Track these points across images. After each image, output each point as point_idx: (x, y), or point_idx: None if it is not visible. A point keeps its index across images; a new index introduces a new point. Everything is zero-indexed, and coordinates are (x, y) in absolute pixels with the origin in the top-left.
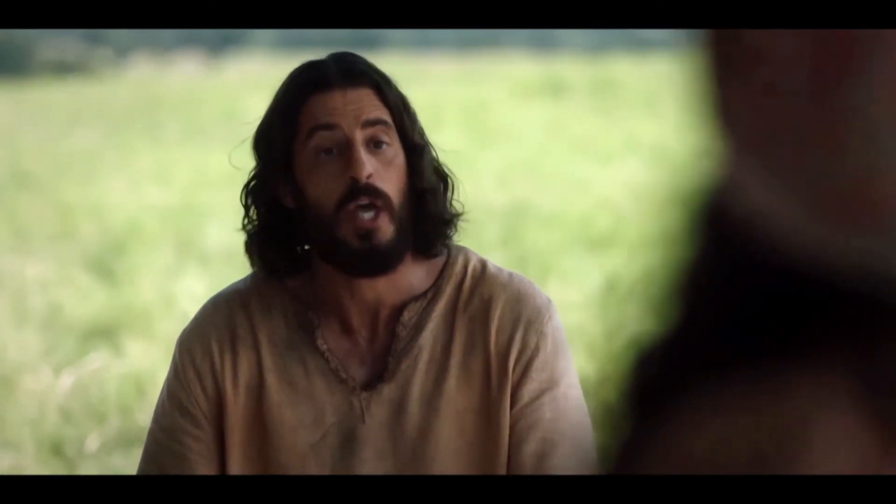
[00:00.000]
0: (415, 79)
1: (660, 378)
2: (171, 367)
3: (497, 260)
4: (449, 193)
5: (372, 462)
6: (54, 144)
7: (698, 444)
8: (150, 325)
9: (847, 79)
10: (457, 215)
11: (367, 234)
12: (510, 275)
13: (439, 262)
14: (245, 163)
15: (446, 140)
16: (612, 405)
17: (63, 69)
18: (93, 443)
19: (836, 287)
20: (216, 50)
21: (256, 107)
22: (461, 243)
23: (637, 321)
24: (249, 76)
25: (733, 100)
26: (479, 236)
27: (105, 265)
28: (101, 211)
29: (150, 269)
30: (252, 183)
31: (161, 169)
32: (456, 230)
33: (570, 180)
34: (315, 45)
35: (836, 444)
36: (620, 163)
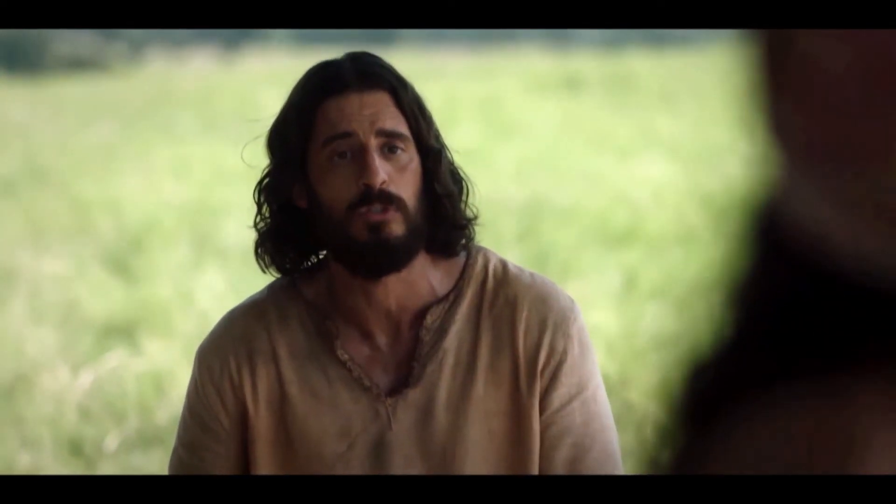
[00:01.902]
0: (430, 74)
1: (716, 389)
2: (190, 382)
3: (515, 257)
4: (465, 197)
5: (401, 468)
6: (70, 140)
7: (755, 454)
8: (169, 323)
9: None
10: (473, 219)
11: (377, 227)
12: (532, 275)
13: (458, 263)
14: (259, 160)
15: (462, 136)
16: (666, 416)
17: (78, 65)
18: (112, 442)
19: (889, 297)
20: (232, 44)
21: (272, 102)
22: (479, 239)
23: (657, 319)
24: (265, 71)
25: (788, 113)
26: (497, 232)
27: (122, 262)
28: (118, 207)
29: (167, 266)
30: (265, 181)
31: (178, 164)
32: (473, 233)
33: (587, 175)
34: (330, 40)
35: (881, 453)
36: (637, 158)
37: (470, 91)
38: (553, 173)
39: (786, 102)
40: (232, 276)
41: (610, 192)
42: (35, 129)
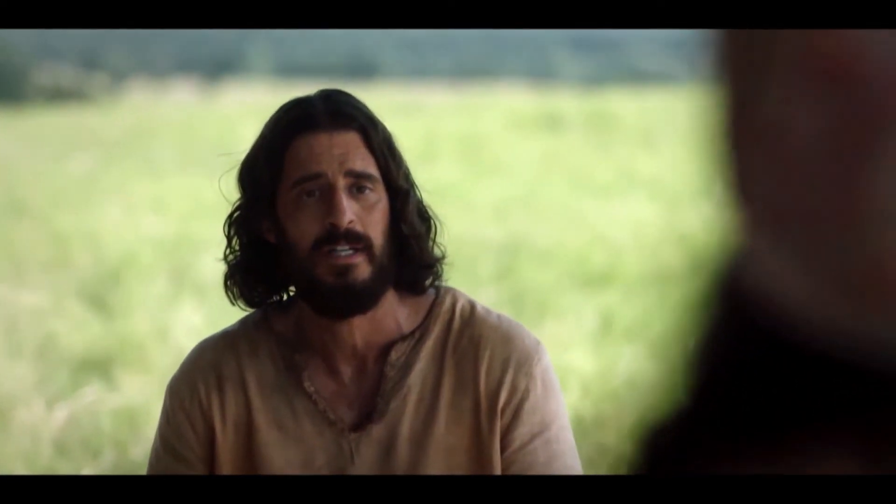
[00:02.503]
0: (410, 110)
1: (672, 451)
2: (161, 414)
3: (492, 296)
4: (433, 236)
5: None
6: (49, 172)
7: None
8: (145, 358)
9: (868, 158)
10: (441, 258)
11: (343, 271)
12: (499, 316)
13: (426, 301)
14: (235, 193)
15: (441, 173)
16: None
17: (59, 95)
18: None
19: (850, 366)
20: (212, 76)
21: (252, 136)
22: (455, 278)
23: (633, 361)
24: (245, 104)
25: (749, 175)
26: (474, 272)
27: (100, 296)
28: (97, 240)
29: (145, 300)
30: (235, 215)
31: (157, 198)
32: (441, 273)
33: (566, 215)
34: (311, 73)
35: None
36: (618, 198)
37: (450, 127)
38: (532, 212)
39: (750, 164)
40: (209, 312)
41: (589, 233)
42: (14, 160)
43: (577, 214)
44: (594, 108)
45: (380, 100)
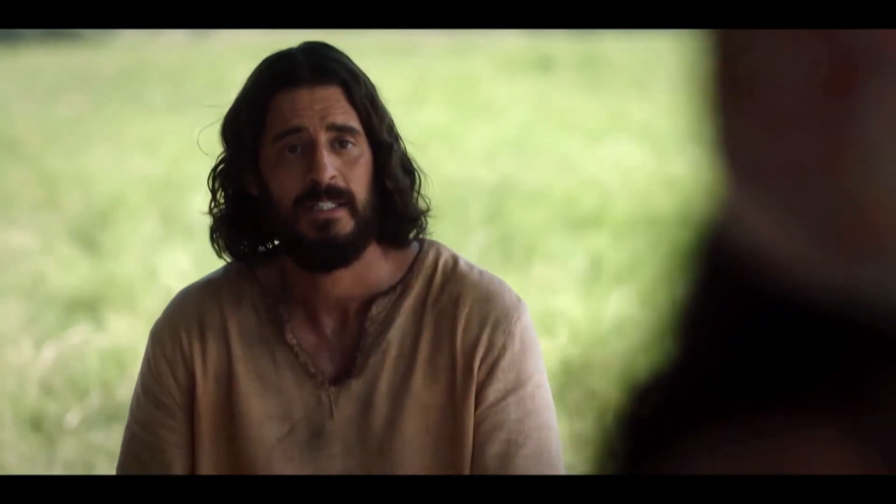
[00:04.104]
0: (402, 52)
1: (656, 414)
2: (143, 360)
3: (480, 239)
4: (417, 189)
5: (339, 457)
6: (41, 112)
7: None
8: (133, 299)
9: (848, 108)
10: (425, 211)
11: (325, 225)
12: (480, 272)
13: (410, 255)
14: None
15: (432, 115)
16: (608, 437)
17: (51, 34)
18: (73, 418)
19: (836, 319)
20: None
21: (244, 77)
22: (445, 221)
23: (622, 305)
24: (237, 44)
25: (734, 128)
26: (464, 214)
27: (89, 236)
28: (86, 181)
29: (134, 241)
30: (220, 168)
31: (147, 139)
32: (425, 225)
33: (557, 158)
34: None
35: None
36: (608, 141)
37: (441, 70)
38: (522, 155)
39: (734, 115)
40: (198, 253)
41: (579, 176)
42: (5, 99)
43: (567, 158)
44: (586, 51)
45: (371, 41)
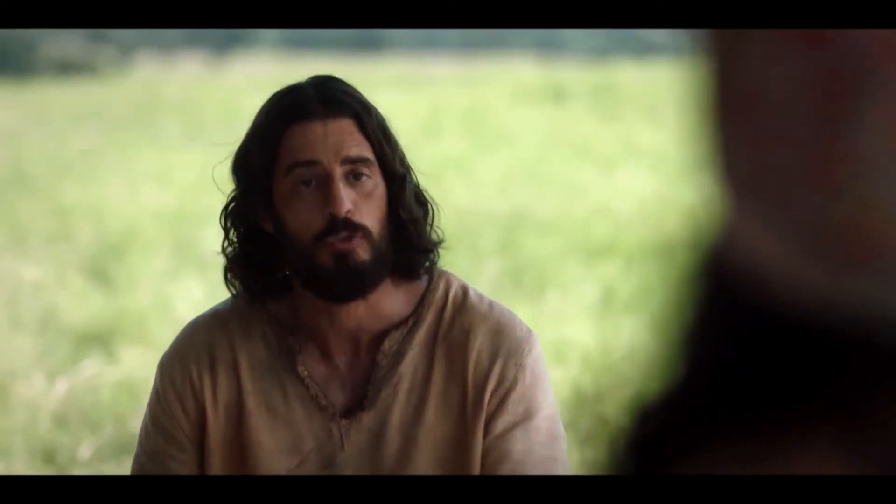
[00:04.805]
0: (416, 82)
1: (659, 433)
2: (152, 391)
3: (493, 268)
4: (430, 220)
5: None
6: (54, 145)
7: None
8: (146, 332)
9: (842, 119)
10: (437, 243)
11: (343, 256)
12: (491, 304)
13: (420, 287)
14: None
15: (446, 145)
16: (612, 457)
17: (66, 69)
18: (86, 450)
19: (834, 334)
20: (220, 50)
21: (258, 109)
22: (458, 250)
23: (634, 334)
24: (253, 77)
25: (730, 142)
26: (477, 244)
27: (102, 269)
28: (100, 213)
29: (147, 274)
30: (231, 205)
31: (161, 171)
32: (437, 258)
33: (570, 187)
34: (319, 46)
35: None
36: (621, 170)
37: (456, 99)
38: (536, 184)
39: (731, 134)
40: (211, 285)
41: (592, 204)
42: (20, 133)
43: (581, 186)
44: (599, 80)
45: (386, 72)
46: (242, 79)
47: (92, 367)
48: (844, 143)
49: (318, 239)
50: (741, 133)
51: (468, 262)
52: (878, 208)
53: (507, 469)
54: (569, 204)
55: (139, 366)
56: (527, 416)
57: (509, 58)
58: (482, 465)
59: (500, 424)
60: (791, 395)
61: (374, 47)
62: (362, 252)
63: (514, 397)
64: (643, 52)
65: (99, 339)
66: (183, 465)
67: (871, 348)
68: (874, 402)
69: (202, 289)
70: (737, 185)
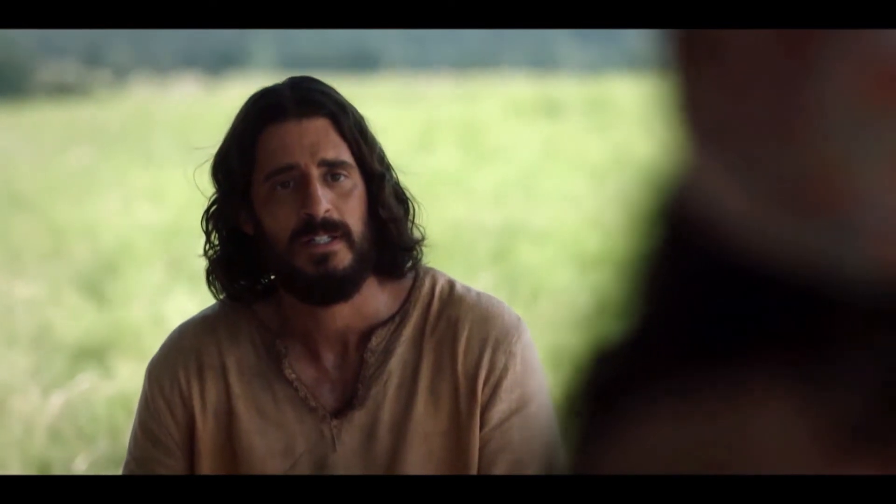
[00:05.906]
0: (412, 99)
1: (617, 378)
2: (140, 398)
3: (488, 278)
4: (411, 218)
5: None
6: (49, 164)
7: (651, 445)
8: (140, 346)
9: (804, 73)
10: (420, 240)
11: (323, 259)
12: (478, 294)
13: (406, 284)
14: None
15: (441, 160)
16: (570, 402)
17: (62, 91)
18: (81, 464)
19: (792, 285)
20: (215, 70)
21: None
22: (453, 262)
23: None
24: (246, 96)
25: (694, 94)
26: (471, 255)
27: (96, 285)
28: (93, 230)
29: (141, 289)
30: (212, 208)
31: (154, 188)
32: (420, 255)
33: (564, 199)
34: (314, 66)
35: (776, 451)
36: (615, 182)
37: (450, 114)
38: (530, 196)
39: (691, 84)
40: (204, 301)
41: (585, 215)
42: (14, 153)
43: (574, 198)
44: (593, 95)
45: (382, 90)
46: (237, 98)
47: (87, 382)
48: (806, 97)
49: (295, 239)
50: (707, 82)
51: (463, 272)
52: (837, 160)
53: (507, 459)
54: (562, 216)
55: (134, 380)
56: (522, 403)
57: (503, 73)
58: (480, 455)
59: (496, 414)
60: (748, 342)
61: (369, 67)
62: (342, 256)
63: (507, 385)
64: (635, 65)
65: (94, 354)
66: (172, 471)
67: (828, 298)
68: (831, 351)
69: (195, 303)
70: (701, 133)
